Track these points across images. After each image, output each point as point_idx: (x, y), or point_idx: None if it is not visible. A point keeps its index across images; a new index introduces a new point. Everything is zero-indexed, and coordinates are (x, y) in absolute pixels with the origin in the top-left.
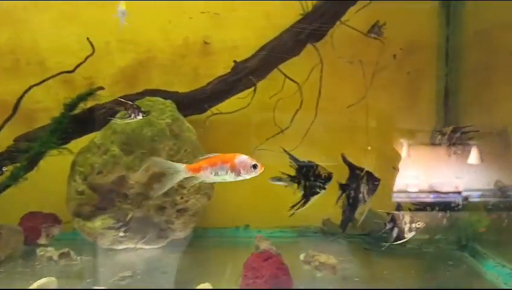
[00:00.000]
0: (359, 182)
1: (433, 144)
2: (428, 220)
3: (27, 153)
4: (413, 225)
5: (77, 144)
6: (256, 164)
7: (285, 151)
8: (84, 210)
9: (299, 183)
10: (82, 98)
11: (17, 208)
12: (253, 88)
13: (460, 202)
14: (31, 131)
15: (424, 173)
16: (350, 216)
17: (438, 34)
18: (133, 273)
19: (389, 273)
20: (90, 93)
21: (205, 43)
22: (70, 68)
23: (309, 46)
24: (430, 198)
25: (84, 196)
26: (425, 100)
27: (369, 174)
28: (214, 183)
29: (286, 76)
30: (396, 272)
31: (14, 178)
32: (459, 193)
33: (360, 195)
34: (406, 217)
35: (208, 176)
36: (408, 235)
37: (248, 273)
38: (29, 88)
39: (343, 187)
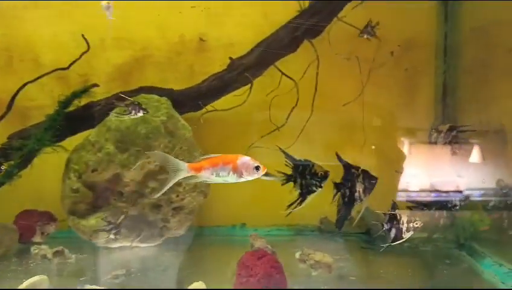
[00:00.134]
0: (354, 180)
1: (429, 142)
2: (426, 220)
3: (21, 151)
4: (411, 225)
5: (71, 141)
6: (258, 166)
7: (281, 150)
8: (79, 208)
9: (295, 182)
10: (76, 95)
11: (11, 206)
12: (249, 85)
13: (458, 202)
14: (24, 128)
15: (422, 171)
16: (346, 215)
17: (436, 31)
18: (126, 272)
19: (385, 272)
20: (84, 91)
21: (201, 40)
22: (65, 65)
23: (306, 43)
24: (427, 197)
25: (79, 194)
26: (423, 97)
27: (365, 172)
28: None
29: (282, 73)
30: (393, 271)
31: (8, 176)
32: (458, 192)
33: (356, 194)
34: (403, 217)
35: (209, 177)
36: (406, 235)
37: (242, 272)
38: (24, 85)
39: (337, 186)
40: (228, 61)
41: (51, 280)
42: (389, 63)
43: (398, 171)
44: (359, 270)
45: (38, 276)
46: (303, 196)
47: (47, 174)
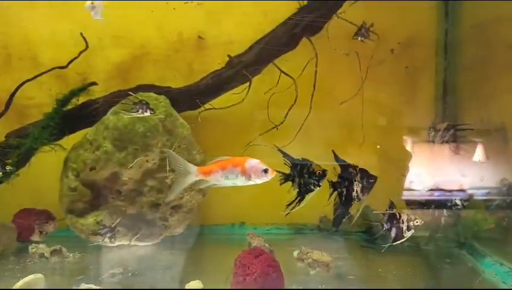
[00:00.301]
0: (351, 179)
1: (427, 140)
2: (427, 219)
3: (19, 150)
4: (411, 223)
5: (69, 140)
6: (267, 169)
7: (278, 149)
8: (77, 207)
9: (293, 181)
10: (75, 93)
11: (10, 204)
12: (248, 83)
13: (460, 201)
14: (22, 127)
15: (424, 170)
16: (343, 214)
17: (437, 28)
18: (124, 270)
19: (384, 271)
20: (83, 89)
21: (200, 38)
22: (64, 64)
23: (305, 40)
24: (428, 196)
25: (77, 193)
26: (424, 95)
27: (363, 171)
28: None
29: (281, 70)
30: (392, 270)
31: (6, 175)
32: (461, 191)
33: (353, 193)
34: (403, 216)
35: (218, 180)
36: (407, 234)
37: (238, 271)
38: (22, 83)
39: (334, 185)
40: (227, 59)
41: (48, 278)
42: (389, 61)
43: (404, 174)
44: (358, 269)
45: (33, 275)
46: (301, 195)
47: (45, 172)
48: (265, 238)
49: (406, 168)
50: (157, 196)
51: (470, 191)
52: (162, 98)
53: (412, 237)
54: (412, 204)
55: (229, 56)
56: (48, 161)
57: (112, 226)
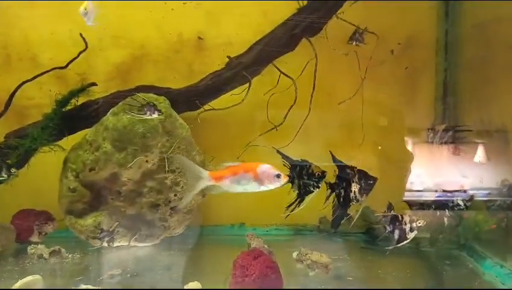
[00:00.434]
0: (349, 180)
1: (427, 141)
2: (428, 220)
3: (18, 150)
4: (414, 225)
5: (69, 140)
6: (279, 174)
7: (277, 151)
8: (76, 208)
9: (292, 182)
10: (74, 94)
11: (9, 205)
12: (247, 84)
13: (461, 202)
14: (22, 127)
15: (425, 171)
16: (342, 215)
17: (437, 28)
18: (122, 271)
19: (383, 272)
20: (82, 90)
21: (199, 38)
22: (63, 64)
23: (305, 41)
24: (429, 197)
25: (76, 193)
26: (424, 95)
27: (361, 173)
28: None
29: (281, 71)
30: (392, 272)
31: (10, 177)
32: (462, 191)
33: (351, 194)
34: (405, 217)
35: (230, 185)
36: (410, 236)
37: (237, 272)
38: (22, 84)
39: (331, 186)
40: (226, 60)
41: (46, 279)
42: (389, 61)
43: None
44: (357, 270)
45: (31, 276)
46: (301, 197)
47: (44, 173)
48: (264, 239)
49: (407, 169)
50: (157, 197)
51: (471, 192)
52: (162, 98)
53: (412, 239)
54: (413, 205)
55: (228, 57)
56: (47, 162)
57: (110, 230)
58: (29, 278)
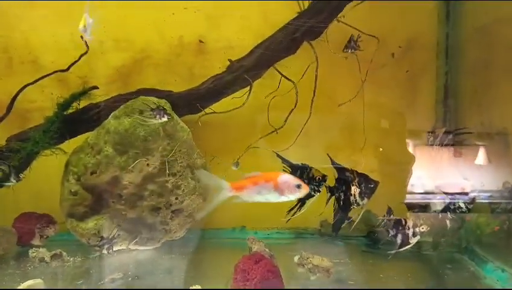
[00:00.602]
0: (349, 184)
1: (427, 144)
2: (428, 222)
3: (20, 153)
4: (417, 229)
5: (70, 144)
6: (300, 184)
7: (277, 155)
8: (78, 211)
9: None
10: (76, 97)
11: (10, 208)
12: (248, 87)
13: (463, 205)
14: (23, 131)
15: (425, 173)
16: (342, 219)
17: (438, 31)
18: (124, 275)
19: (385, 276)
20: (84, 93)
21: (200, 42)
22: (65, 67)
23: (306, 44)
24: (430, 200)
25: (78, 197)
26: (425, 99)
27: (362, 176)
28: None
29: (282, 74)
30: (393, 275)
31: (7, 178)
32: (463, 194)
33: (352, 197)
34: (408, 222)
35: (250, 195)
36: (413, 240)
37: (238, 276)
38: (24, 87)
39: (331, 190)
40: (227, 63)
41: (48, 283)
42: (390, 65)
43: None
44: (358, 274)
45: (33, 280)
46: (302, 201)
47: (46, 176)
48: (265, 242)
49: (409, 172)
50: (158, 200)
51: (472, 194)
52: (163, 102)
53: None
54: (415, 208)
55: (229, 60)
56: (48, 165)
57: (110, 237)
58: (30, 282)
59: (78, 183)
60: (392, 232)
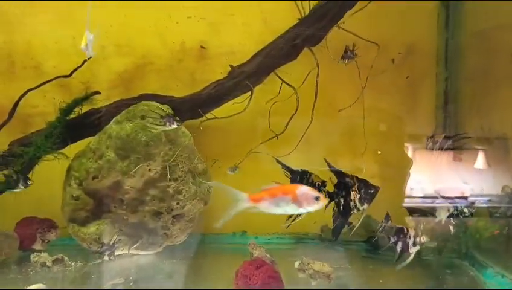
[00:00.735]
0: (349, 189)
1: (427, 149)
2: (431, 227)
3: (22, 158)
4: (418, 239)
5: (71, 149)
6: (318, 196)
7: (277, 161)
8: (79, 215)
9: None
10: (78, 102)
11: (12, 213)
12: (249, 93)
13: (466, 209)
14: (25, 136)
15: (425, 178)
16: (342, 224)
17: (437, 37)
18: (125, 280)
19: (385, 281)
20: (86, 98)
21: (202, 48)
22: (67, 72)
23: (306, 50)
24: (430, 204)
25: (79, 201)
26: (425, 104)
27: (362, 182)
28: (211, 189)
29: (283, 80)
30: (393, 281)
31: (9, 183)
32: (463, 198)
33: (352, 203)
34: (410, 231)
35: (268, 207)
36: (412, 250)
37: (239, 282)
38: (26, 92)
39: (330, 195)
40: (228, 68)
41: (48, 288)
42: (390, 70)
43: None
44: (359, 279)
45: (36, 285)
46: None
47: (47, 181)
48: (266, 247)
49: (407, 175)
50: (159, 205)
51: (472, 199)
52: (165, 107)
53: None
54: (416, 212)
55: (231, 66)
56: (50, 170)
57: (111, 243)
58: (33, 286)
59: (80, 188)
60: (393, 240)
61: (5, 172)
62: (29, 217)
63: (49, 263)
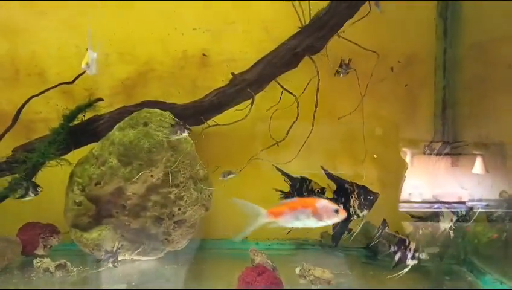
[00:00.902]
0: (348, 196)
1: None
2: (429, 232)
3: (25, 164)
4: (417, 254)
5: (75, 155)
6: (338, 209)
7: (277, 168)
8: (82, 221)
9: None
10: (81, 109)
11: (14, 218)
12: (251, 100)
13: (466, 215)
14: (29, 142)
15: (423, 183)
16: (342, 231)
17: (436, 46)
18: (127, 286)
19: (385, 287)
20: (89, 105)
21: (204, 55)
22: (70, 79)
23: (307, 58)
24: (428, 209)
25: (82, 207)
26: (423, 111)
27: (361, 188)
28: (212, 194)
29: (283, 88)
30: (392, 287)
31: (12, 189)
32: (461, 203)
33: (351, 209)
34: (411, 245)
35: (288, 221)
36: (410, 262)
37: (242, 288)
38: (29, 99)
39: None
40: (229, 76)
41: None
42: (389, 79)
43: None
44: (359, 285)
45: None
46: None
47: (50, 187)
48: (267, 253)
49: (402, 178)
50: (161, 211)
51: (470, 204)
52: (167, 114)
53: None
54: (417, 218)
55: (232, 74)
56: (53, 175)
57: (114, 250)
58: None
59: (83, 193)
60: (393, 248)
61: (9, 179)
62: (32, 222)
63: (51, 269)
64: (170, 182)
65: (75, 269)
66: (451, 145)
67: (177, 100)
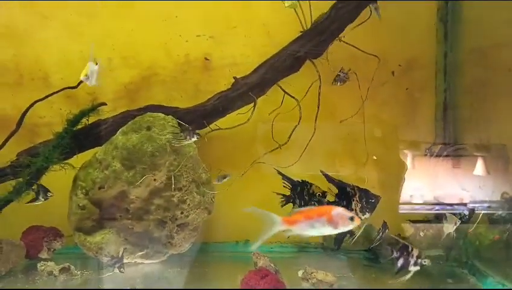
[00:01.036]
0: (350, 199)
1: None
2: (431, 234)
3: (29, 168)
4: (419, 261)
5: (78, 159)
6: (353, 217)
7: (278, 172)
8: (85, 225)
9: (294, 203)
10: (85, 113)
11: (18, 222)
12: (253, 104)
13: (467, 216)
14: (33, 146)
15: (424, 186)
16: (344, 234)
17: (436, 50)
18: (131, 288)
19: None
20: (92, 109)
21: (206, 59)
22: (74, 84)
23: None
24: (430, 211)
25: (86, 211)
26: (424, 116)
27: (363, 192)
28: (215, 197)
29: (285, 92)
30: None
31: (17, 193)
32: (462, 205)
33: (352, 212)
34: (414, 251)
35: (303, 229)
36: (412, 269)
37: None
38: (33, 103)
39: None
40: (232, 80)
41: None
42: (390, 83)
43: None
44: (361, 288)
45: None
46: None
47: (54, 191)
48: (269, 256)
49: (401, 179)
50: (164, 214)
51: (471, 205)
52: (170, 118)
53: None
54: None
55: (234, 78)
56: (57, 180)
57: (119, 256)
58: None
59: (86, 197)
60: (395, 254)
61: (13, 183)
62: (35, 226)
63: (55, 272)
64: (173, 185)
65: (78, 272)
66: (452, 147)
67: (180, 104)
